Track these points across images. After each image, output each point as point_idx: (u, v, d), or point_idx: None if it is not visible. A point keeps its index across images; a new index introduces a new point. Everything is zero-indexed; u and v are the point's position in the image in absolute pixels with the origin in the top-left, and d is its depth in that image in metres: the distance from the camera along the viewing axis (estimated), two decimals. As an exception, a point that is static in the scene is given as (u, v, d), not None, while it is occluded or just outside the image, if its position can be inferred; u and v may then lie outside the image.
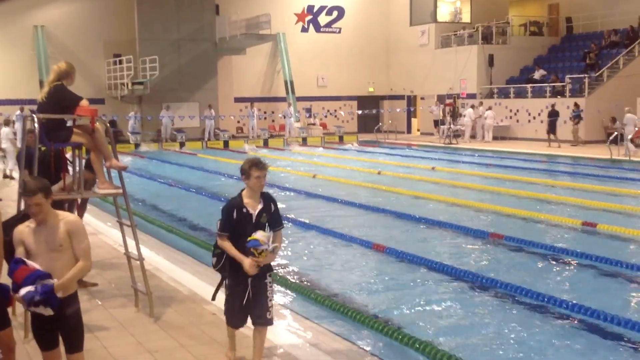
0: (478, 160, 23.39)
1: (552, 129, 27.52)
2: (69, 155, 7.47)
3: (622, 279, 8.75)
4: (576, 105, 27.58)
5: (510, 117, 31.27)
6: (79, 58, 28.57)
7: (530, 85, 30.90)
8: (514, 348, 6.50)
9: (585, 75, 28.94)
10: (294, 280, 8.62)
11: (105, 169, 7.30)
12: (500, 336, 6.84)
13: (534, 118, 30.08)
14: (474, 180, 18.34)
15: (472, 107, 30.87)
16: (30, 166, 6.97)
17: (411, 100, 36.99)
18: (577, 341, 6.71)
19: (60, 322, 4.40)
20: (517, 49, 33.55)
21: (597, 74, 28.91)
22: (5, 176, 17.81)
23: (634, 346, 6.48)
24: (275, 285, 8.40)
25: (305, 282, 8.61)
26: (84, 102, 7.12)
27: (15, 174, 13.70)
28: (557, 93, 29.52)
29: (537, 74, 31.61)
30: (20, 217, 5.58)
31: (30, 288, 4.20)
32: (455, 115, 31.07)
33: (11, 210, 7.60)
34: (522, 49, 33.65)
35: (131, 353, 5.92)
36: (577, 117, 27.44)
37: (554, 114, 27.74)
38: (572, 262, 9.51)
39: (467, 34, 33.63)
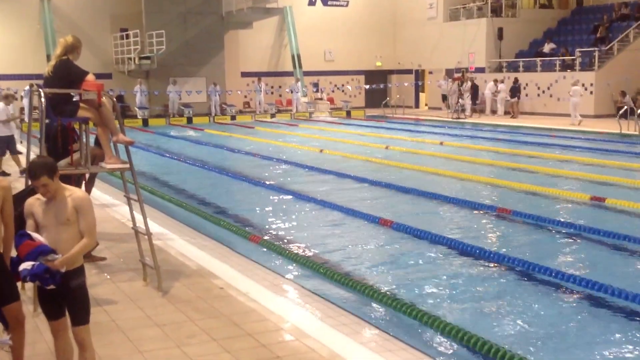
0: (486, 135, 23.29)
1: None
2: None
3: (630, 253, 8.73)
4: (515, 80, 29.46)
5: (519, 91, 31.03)
6: (85, 32, 28.46)
7: (540, 58, 30.63)
8: (522, 323, 6.51)
9: (595, 48, 28.64)
10: (300, 254, 8.65)
11: (112, 144, 7.30)
12: (508, 311, 6.85)
13: (543, 92, 29.87)
14: (482, 155, 18.27)
15: (495, 81, 30.51)
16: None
17: (419, 75, 36.75)
18: (585, 316, 6.71)
19: (64, 295, 4.43)
20: (526, 22, 33.21)
21: (607, 47, 28.62)
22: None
23: (641, 320, 6.48)
24: (282, 259, 8.46)
25: (311, 256, 8.63)
26: (90, 77, 7.10)
27: (23, 148, 13.75)
28: (567, 67, 29.27)
29: (547, 48, 31.32)
30: (29, 190, 5.61)
31: (27, 265, 4.25)
32: (472, 90, 30.70)
33: (20, 185, 7.62)
34: (532, 22, 33.31)
35: (139, 326, 5.96)
36: (515, 91, 29.19)
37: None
38: (580, 236, 9.49)
39: (476, 7, 33.29)
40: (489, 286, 7.61)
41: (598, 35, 29.99)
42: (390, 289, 7.35)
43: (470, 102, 30.33)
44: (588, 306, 6.92)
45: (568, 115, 26.18)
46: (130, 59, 30.04)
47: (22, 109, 23.76)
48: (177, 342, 5.58)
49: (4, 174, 13.93)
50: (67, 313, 4.52)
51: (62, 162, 7.03)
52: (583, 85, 27.44)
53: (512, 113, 29.13)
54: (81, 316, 4.49)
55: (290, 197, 12.57)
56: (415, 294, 7.24)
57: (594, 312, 6.80)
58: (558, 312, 6.80)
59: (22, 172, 13.76)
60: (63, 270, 4.33)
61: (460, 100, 30.08)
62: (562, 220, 10.35)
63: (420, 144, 20.64)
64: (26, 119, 17.57)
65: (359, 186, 13.76)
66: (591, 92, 27.47)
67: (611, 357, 5.74)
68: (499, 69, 32.46)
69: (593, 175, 14.33)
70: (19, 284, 4.84)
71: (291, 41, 34.44)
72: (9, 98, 15.01)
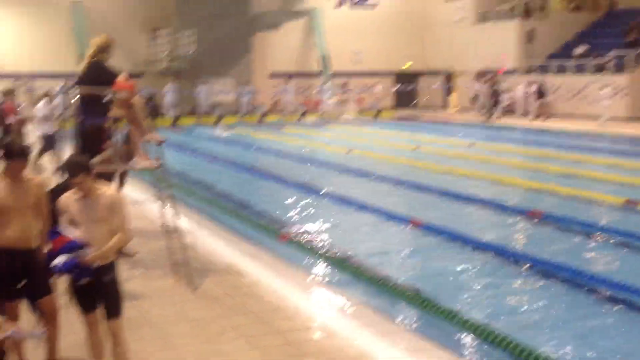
0: (517, 137, 23.06)
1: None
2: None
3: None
4: (540, 83, 29.31)
5: (551, 94, 30.66)
6: (117, 32, 28.55)
7: (572, 61, 30.24)
8: (551, 326, 6.44)
9: (629, 50, 28.18)
10: (328, 253, 8.65)
11: (143, 143, 7.39)
12: (539, 313, 6.78)
13: (575, 95, 29.47)
14: (512, 157, 18.10)
15: (529, 82, 30.19)
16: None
17: (449, 76, 36.52)
18: (617, 321, 6.62)
19: (97, 290, 4.51)
20: (558, 24, 32.79)
21: (640, 50, 28.15)
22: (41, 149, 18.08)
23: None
24: (310, 258, 8.47)
25: (339, 256, 8.62)
26: (122, 77, 7.21)
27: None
28: (600, 69, 28.85)
29: (579, 50, 30.91)
30: (65, 186, 5.70)
31: (59, 260, 4.33)
32: (496, 92, 30.43)
33: (54, 182, 7.74)
34: (563, 25, 32.88)
35: (169, 322, 6.02)
36: (541, 93, 28.98)
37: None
38: (613, 240, 9.35)
39: (507, 9, 32.98)
40: (520, 288, 7.54)
41: (631, 37, 29.52)
42: (420, 289, 7.31)
43: (499, 104, 30.04)
44: (620, 311, 6.81)
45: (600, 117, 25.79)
46: (161, 59, 30.31)
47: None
48: (207, 338, 5.63)
49: (40, 169, 14.13)
50: (100, 307, 4.59)
51: (95, 160, 7.13)
52: (616, 87, 27.06)
53: (539, 115, 28.87)
54: (114, 310, 4.56)
55: (318, 196, 12.59)
56: (445, 294, 7.20)
57: (625, 317, 6.69)
58: (586, 315, 6.71)
59: (57, 169, 13.97)
60: (95, 265, 4.40)
61: (490, 102, 29.79)
62: (594, 223, 10.21)
63: (449, 146, 20.52)
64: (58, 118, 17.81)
65: (388, 187, 13.72)
66: (626, 94, 27.02)
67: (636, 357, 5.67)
68: (530, 71, 32.11)
69: (627, 179, 14.10)
70: (53, 277, 4.92)
71: (319, 42, 34.47)
72: (49, 96, 15.23)
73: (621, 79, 27.31)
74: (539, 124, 26.94)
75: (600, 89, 25.89)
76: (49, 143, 14.76)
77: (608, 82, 26.59)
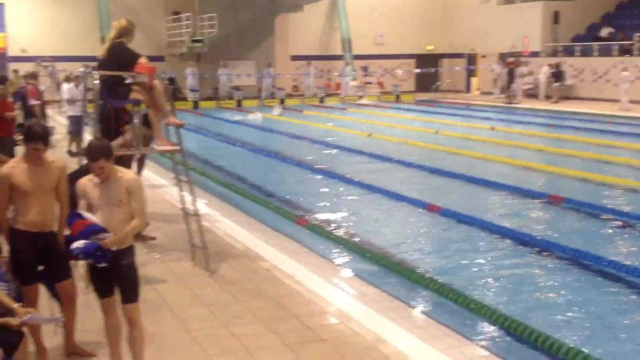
0: (539, 121, 22.82)
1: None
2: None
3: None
4: (558, 65, 28.96)
5: (575, 76, 30.25)
6: (139, 15, 28.78)
7: (597, 43, 29.78)
8: (570, 312, 6.40)
9: (656, 32, 27.67)
10: (346, 238, 8.65)
11: (163, 126, 7.41)
12: (556, 299, 6.74)
13: (600, 77, 29.05)
14: (534, 141, 17.92)
15: (550, 65, 29.80)
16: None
17: (471, 59, 36.16)
18: (636, 307, 6.55)
19: (115, 274, 4.54)
20: (583, 5, 32.26)
21: (668, 31, 27.63)
22: (69, 132, 18.27)
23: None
24: (328, 243, 8.48)
25: (357, 241, 8.63)
26: (143, 60, 7.21)
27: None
28: (625, 51, 28.37)
29: (604, 32, 30.40)
30: (84, 170, 5.75)
31: (79, 244, 4.36)
32: (515, 75, 30.11)
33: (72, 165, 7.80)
34: (589, 6, 32.34)
35: (187, 305, 6.07)
36: (557, 76, 28.54)
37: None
38: (635, 225, 9.24)
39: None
40: (538, 274, 7.49)
41: (658, 18, 28.98)
42: (437, 274, 7.30)
43: (522, 87, 29.73)
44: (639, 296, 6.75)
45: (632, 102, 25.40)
46: (182, 42, 30.35)
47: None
48: (224, 321, 5.67)
49: (72, 153, 14.25)
50: (117, 291, 4.63)
51: (115, 143, 7.16)
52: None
53: (555, 98, 28.56)
54: (131, 294, 4.60)
55: (338, 181, 12.57)
56: (462, 280, 7.17)
57: (646, 303, 6.63)
58: (609, 302, 6.66)
59: (72, 152, 14.10)
60: (114, 249, 4.43)
61: (512, 85, 29.48)
62: (614, 208, 10.09)
63: (470, 129, 20.35)
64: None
65: (407, 171, 13.66)
66: (563, 77, 26.53)
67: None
68: (554, 53, 31.68)
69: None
70: (71, 261, 4.98)
71: (341, 25, 34.26)
72: (77, 79, 15.35)
73: (647, 61, 26.81)
74: (561, 107, 26.59)
75: (622, 71, 25.54)
76: (77, 126, 14.90)
77: (628, 65, 26.19)
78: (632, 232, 9.10)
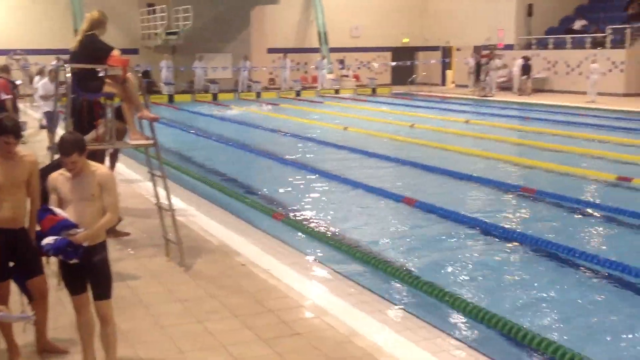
0: (513, 113, 23.01)
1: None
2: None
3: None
4: (526, 58, 29.31)
5: (549, 69, 30.54)
6: (113, 7, 28.43)
7: (570, 36, 30.06)
8: (544, 303, 6.47)
9: (627, 25, 28.01)
10: (322, 232, 8.66)
11: (136, 120, 7.34)
12: (530, 291, 6.81)
13: (573, 70, 29.35)
14: (508, 133, 18.08)
15: (524, 58, 30.02)
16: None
17: (446, 52, 36.32)
18: (608, 296, 6.65)
19: (87, 270, 4.49)
20: (557, -2, 32.55)
21: (640, 24, 27.98)
22: (42, 127, 18.04)
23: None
24: (305, 237, 8.48)
25: (334, 234, 8.64)
26: (116, 52, 7.13)
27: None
28: (598, 44, 28.69)
29: (577, 25, 30.70)
30: (56, 164, 5.68)
31: (49, 240, 4.30)
32: (488, 68, 30.36)
33: (43, 159, 7.70)
34: (563, -2, 32.64)
35: (161, 301, 6.03)
36: (525, 69, 29.01)
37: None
38: (606, 216, 9.37)
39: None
40: (511, 266, 7.57)
41: (630, 11, 29.30)
42: (412, 267, 7.35)
43: (496, 80, 29.95)
44: (612, 287, 6.84)
45: (600, 94, 25.73)
46: (156, 34, 30.08)
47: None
48: (199, 317, 5.64)
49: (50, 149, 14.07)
50: (89, 288, 4.58)
51: (88, 138, 7.08)
52: (614, 62, 27.06)
53: (523, 91, 28.92)
54: (103, 291, 4.55)
55: (314, 174, 12.57)
56: (437, 272, 7.23)
57: (618, 293, 6.73)
58: (581, 293, 6.74)
59: (50, 147, 13.92)
60: (85, 244, 4.38)
61: (486, 77, 29.66)
62: (587, 200, 10.23)
63: (445, 122, 20.47)
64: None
65: (383, 164, 13.70)
66: (622, 70, 26.94)
67: (630, 336, 5.69)
68: (527, 46, 31.92)
69: (621, 155, 14.11)
70: (43, 258, 4.92)
71: (318, 17, 34.20)
72: (52, 73, 15.15)
73: (620, 55, 27.18)
74: (533, 99, 26.84)
75: (592, 63, 25.97)
76: (51, 121, 14.71)
77: (598, 58, 26.58)
78: (604, 223, 9.22)
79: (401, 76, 35.16)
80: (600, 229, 9.09)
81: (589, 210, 9.66)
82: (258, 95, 30.80)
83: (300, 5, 34.80)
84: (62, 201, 4.52)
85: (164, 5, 29.19)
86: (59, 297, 5.45)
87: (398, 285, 6.80)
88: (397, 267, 7.23)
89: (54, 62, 25.25)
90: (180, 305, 5.92)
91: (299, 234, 8.62)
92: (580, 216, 9.52)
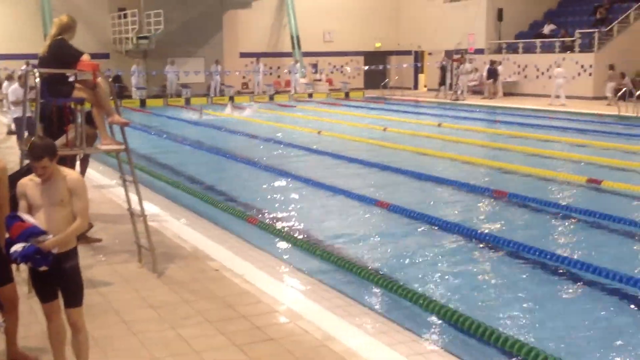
0: (485, 117, 23.23)
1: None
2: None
3: (625, 235, 8.74)
4: (492, 62, 29.99)
5: (519, 73, 30.92)
6: (83, 11, 28.25)
7: (540, 40, 30.46)
8: (516, 304, 6.53)
9: (595, 29, 28.47)
10: (296, 236, 8.65)
11: (107, 125, 7.27)
12: (502, 293, 6.86)
13: (542, 74, 29.74)
14: (480, 137, 18.25)
15: (493, 62, 30.41)
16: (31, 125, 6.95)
17: (418, 56, 36.58)
18: (579, 297, 6.73)
19: (57, 277, 4.43)
20: (526, 2, 32.97)
21: (607, 28, 28.46)
22: (9, 132, 17.80)
23: (636, 302, 6.50)
24: (278, 241, 8.46)
25: (307, 239, 8.63)
26: (86, 57, 7.05)
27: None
28: (567, 48, 29.12)
29: (547, 29, 31.14)
30: (25, 170, 5.59)
31: (17, 247, 4.24)
32: (460, 72, 30.73)
33: (13, 165, 7.59)
34: (532, 3, 33.08)
35: (133, 308, 5.97)
36: (491, 73, 29.64)
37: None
38: (576, 218, 9.49)
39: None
40: (485, 268, 7.63)
41: (598, 16, 29.81)
42: (386, 271, 7.36)
43: (476, 83, 30.35)
44: (583, 288, 6.93)
45: (568, 97, 26.15)
46: (128, 39, 29.85)
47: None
48: (172, 323, 5.60)
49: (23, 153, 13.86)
50: (60, 295, 4.52)
51: (57, 143, 6.99)
52: (582, 66, 27.54)
53: (490, 95, 29.39)
54: (74, 298, 4.49)
55: (288, 178, 12.56)
56: (411, 276, 7.25)
57: (587, 293, 6.81)
58: (553, 295, 6.81)
59: (8, 132, 13.73)
60: (55, 251, 4.32)
61: (460, 81, 29.95)
62: (558, 202, 10.36)
63: (418, 126, 20.59)
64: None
65: (356, 168, 13.73)
66: (590, 74, 27.37)
67: (600, 335, 5.77)
68: (498, 50, 32.29)
69: (590, 157, 14.32)
70: (14, 265, 4.84)
71: (290, 22, 34.23)
72: (21, 79, 14.94)
73: (588, 58, 27.62)
74: (506, 103, 27.15)
75: (557, 67, 26.61)
76: (21, 127, 14.50)
77: (565, 62, 27.17)
78: (575, 225, 9.33)
79: (374, 80, 35.33)
80: (571, 230, 9.20)
81: (560, 212, 9.78)
82: (231, 99, 30.70)
83: (273, 9, 34.80)
84: (32, 207, 4.46)
85: (135, 10, 28.99)
86: (30, 305, 5.36)
87: (372, 288, 6.81)
88: (371, 270, 7.24)
89: (24, 67, 25.00)
90: (153, 312, 5.87)
91: (273, 238, 8.60)
92: (552, 218, 9.63)
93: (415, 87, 36.70)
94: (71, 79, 7.04)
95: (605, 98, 25.70)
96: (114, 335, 5.38)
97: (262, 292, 6.33)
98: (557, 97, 25.95)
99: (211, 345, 5.19)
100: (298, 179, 12.44)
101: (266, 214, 9.93)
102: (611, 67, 26.03)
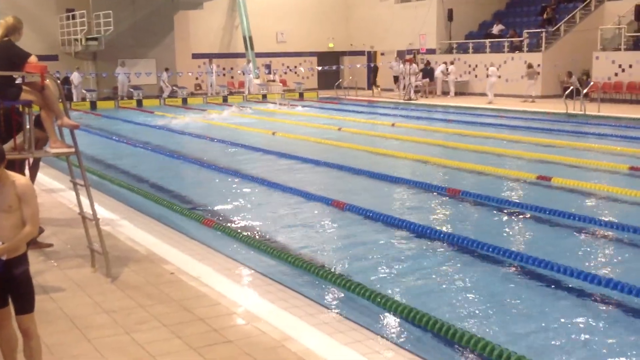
0: (437, 116, 23.52)
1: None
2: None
3: (575, 231, 8.95)
4: (427, 62, 31.29)
5: (469, 73, 31.40)
6: (30, 12, 27.64)
7: (489, 40, 30.99)
8: (471, 301, 6.62)
9: (543, 29, 29.11)
10: (252, 237, 8.61)
11: (57, 128, 7.13)
12: (459, 289, 6.95)
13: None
14: (432, 135, 18.46)
15: (446, 63, 30.86)
16: None
17: (371, 56, 36.82)
18: (531, 292, 6.86)
19: (7, 283, 4.32)
20: (476, 3, 33.54)
21: (554, 28, 29.12)
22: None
23: (586, 297, 6.66)
24: (234, 242, 8.41)
25: (263, 239, 8.60)
26: (33, 59, 6.90)
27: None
28: (515, 48, 29.69)
29: (496, 29, 31.71)
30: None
31: None
32: (428, 71, 31.17)
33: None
34: (481, 4, 33.66)
35: (88, 313, 5.86)
36: (426, 73, 30.78)
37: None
38: (527, 215, 9.68)
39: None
40: (440, 265, 7.71)
41: (545, 16, 30.48)
42: (343, 270, 7.39)
43: (420, 84, 30.65)
44: (537, 283, 7.06)
45: (517, 96, 26.75)
46: (77, 40, 29.31)
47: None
48: (127, 328, 5.51)
49: None
50: (11, 302, 4.41)
51: (6, 147, 6.82)
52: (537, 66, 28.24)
53: (424, 94, 30.07)
54: (25, 305, 4.39)
55: (243, 180, 12.50)
56: (368, 274, 7.28)
57: (538, 287, 6.95)
58: (508, 290, 6.93)
59: None
60: (4, 258, 4.22)
61: (410, 81, 30.27)
62: (509, 199, 10.55)
63: (372, 126, 20.73)
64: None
65: (312, 168, 13.75)
66: (538, 73, 27.96)
67: (550, 329, 5.90)
68: (449, 50, 32.74)
69: (540, 155, 14.63)
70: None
71: (243, 22, 34.08)
72: None
73: (536, 58, 28.22)
74: (458, 102, 27.56)
75: (490, 65, 27.61)
76: None
77: (494, 63, 28.12)
78: (527, 221, 9.52)
79: (328, 81, 35.44)
80: (523, 226, 9.39)
81: (512, 209, 9.96)
82: (184, 101, 30.42)
83: (225, 10, 34.60)
84: (-21, 213, 4.34)
85: (83, 11, 28.49)
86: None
87: (329, 288, 6.82)
88: (328, 270, 7.25)
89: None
90: (107, 317, 5.77)
91: (229, 239, 8.54)
92: (504, 215, 9.80)
93: (369, 87, 36.94)
94: (18, 81, 6.88)
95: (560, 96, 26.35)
96: (68, 342, 5.27)
97: (219, 295, 6.28)
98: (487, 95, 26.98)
99: (167, 350, 5.13)
100: (254, 179, 12.39)
101: (222, 216, 9.86)
102: (530, 66, 27.09)
